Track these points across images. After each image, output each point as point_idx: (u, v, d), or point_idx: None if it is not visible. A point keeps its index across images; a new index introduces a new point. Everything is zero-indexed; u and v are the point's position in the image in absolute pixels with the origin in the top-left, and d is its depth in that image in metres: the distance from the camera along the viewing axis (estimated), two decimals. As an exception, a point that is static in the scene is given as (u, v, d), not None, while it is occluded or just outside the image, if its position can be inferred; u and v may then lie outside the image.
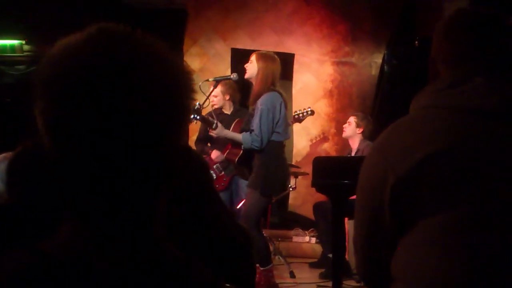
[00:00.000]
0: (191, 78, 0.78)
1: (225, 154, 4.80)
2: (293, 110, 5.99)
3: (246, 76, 4.26)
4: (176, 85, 0.75)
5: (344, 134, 5.49)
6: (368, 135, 5.42)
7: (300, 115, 5.50)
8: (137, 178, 0.73)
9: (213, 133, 4.43)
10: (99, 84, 0.69)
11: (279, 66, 4.25)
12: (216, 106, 5.01)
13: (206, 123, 4.44)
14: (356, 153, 5.32)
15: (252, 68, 4.21)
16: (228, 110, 5.11)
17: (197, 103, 4.32)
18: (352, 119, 5.44)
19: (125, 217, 0.74)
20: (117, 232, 0.74)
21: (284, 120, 4.27)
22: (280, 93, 4.23)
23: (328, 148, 6.57)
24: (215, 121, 4.39)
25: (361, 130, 5.38)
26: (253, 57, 4.23)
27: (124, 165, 0.72)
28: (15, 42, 6.74)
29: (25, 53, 6.78)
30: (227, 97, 5.07)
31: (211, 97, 4.93)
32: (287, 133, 4.45)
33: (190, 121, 3.91)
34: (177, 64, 0.77)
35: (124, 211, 0.74)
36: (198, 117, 4.31)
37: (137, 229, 0.75)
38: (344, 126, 5.52)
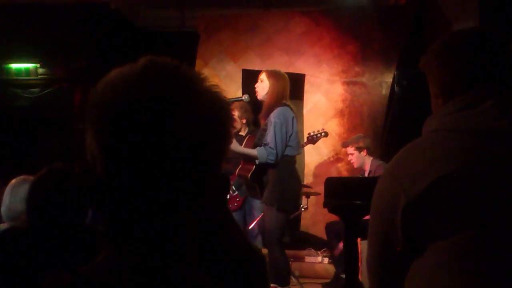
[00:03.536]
0: (230, 108, 0.83)
1: (237, 172, 4.80)
2: (304, 130, 6.00)
3: (259, 97, 4.30)
4: (219, 115, 0.79)
5: (356, 165, 5.41)
6: (374, 150, 5.37)
7: (314, 136, 5.46)
8: (181, 204, 0.76)
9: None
10: (151, 112, 0.73)
11: (288, 82, 4.31)
12: (234, 131, 5.06)
13: None
14: (368, 174, 5.26)
15: (263, 87, 4.25)
16: (243, 132, 5.22)
17: None
18: (350, 150, 5.35)
19: (162, 241, 0.77)
20: (152, 256, 0.76)
21: (296, 134, 4.30)
22: (291, 108, 4.27)
23: (340, 168, 6.56)
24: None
25: (365, 152, 5.30)
26: (263, 76, 4.27)
27: (171, 191, 0.75)
28: (29, 65, 6.84)
29: (40, 76, 6.87)
30: (244, 121, 5.18)
31: None
32: (299, 148, 4.47)
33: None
34: (218, 95, 0.81)
35: (163, 235, 0.77)
36: None
37: (164, 253, 0.77)
38: (349, 159, 5.48)
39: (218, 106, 0.80)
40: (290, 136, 4.20)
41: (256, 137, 4.61)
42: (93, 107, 0.76)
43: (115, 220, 0.77)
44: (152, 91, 0.75)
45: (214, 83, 0.81)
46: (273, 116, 4.16)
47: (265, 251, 4.15)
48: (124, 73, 0.77)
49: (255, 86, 4.32)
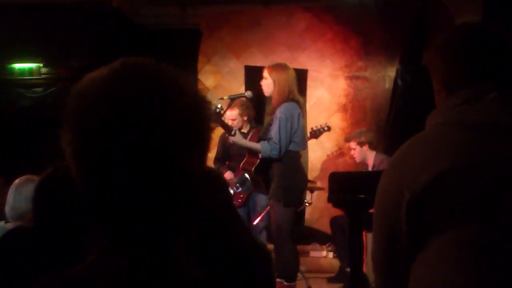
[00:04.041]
0: (210, 107, 0.82)
1: (241, 165, 4.81)
2: (308, 125, 6.00)
3: (266, 94, 4.32)
4: (196, 116, 0.78)
5: (358, 160, 5.44)
6: (377, 144, 5.38)
7: (317, 131, 5.47)
8: (161, 205, 0.76)
9: (231, 140, 4.46)
10: (125, 116, 0.72)
11: (292, 73, 4.29)
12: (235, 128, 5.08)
13: (225, 128, 4.46)
14: (372, 168, 5.28)
15: (268, 83, 4.26)
16: (245, 129, 5.21)
17: (218, 106, 4.31)
18: (353, 144, 5.38)
19: (150, 241, 0.76)
20: (141, 256, 0.76)
21: (302, 130, 4.30)
22: (299, 103, 4.27)
23: (343, 163, 6.57)
24: (234, 128, 4.43)
25: (367, 146, 5.33)
26: (265, 73, 4.28)
27: (148, 193, 0.74)
28: (33, 65, 6.85)
29: (43, 76, 6.88)
30: (245, 118, 5.17)
31: (230, 121, 5.00)
32: (305, 144, 4.48)
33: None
34: (197, 95, 0.80)
35: (148, 236, 0.76)
36: (217, 121, 4.25)
37: (162, 253, 0.77)
38: (351, 154, 5.50)
39: (199, 105, 0.79)
40: (295, 132, 4.21)
41: (261, 131, 4.63)
42: (66, 116, 0.76)
43: (114, 220, 0.76)
44: (125, 92, 0.73)
45: (194, 81, 0.80)
46: (279, 112, 4.17)
47: (270, 246, 4.17)
48: (96, 77, 0.76)
49: (261, 84, 4.33)
